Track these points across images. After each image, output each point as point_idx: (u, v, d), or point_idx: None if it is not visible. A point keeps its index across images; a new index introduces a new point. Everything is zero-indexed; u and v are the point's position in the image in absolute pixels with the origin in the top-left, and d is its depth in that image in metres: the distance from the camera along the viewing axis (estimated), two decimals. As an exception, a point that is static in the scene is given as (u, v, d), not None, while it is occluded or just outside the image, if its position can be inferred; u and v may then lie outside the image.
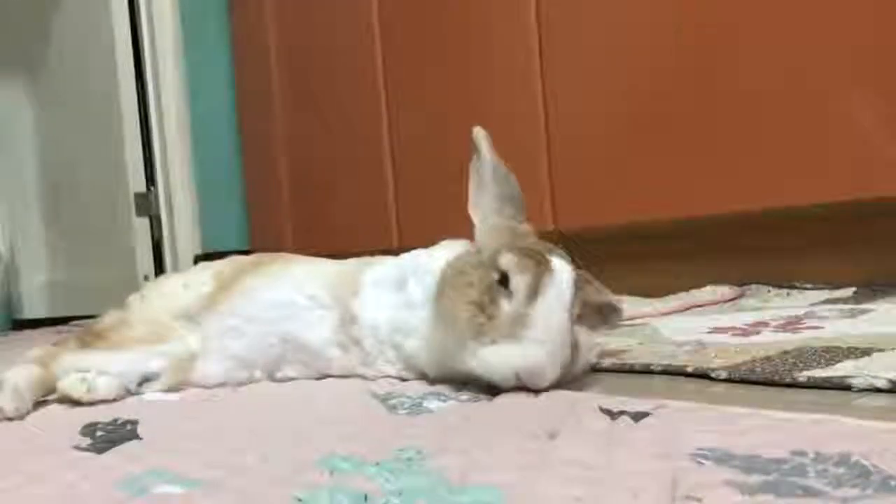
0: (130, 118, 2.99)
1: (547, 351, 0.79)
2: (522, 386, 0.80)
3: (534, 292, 0.81)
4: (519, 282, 0.82)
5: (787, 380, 0.78)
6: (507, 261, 0.84)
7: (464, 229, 1.01)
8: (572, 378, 0.86)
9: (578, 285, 0.85)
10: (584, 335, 0.89)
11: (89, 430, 0.83)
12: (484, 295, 0.83)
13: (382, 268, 1.07)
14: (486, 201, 0.98)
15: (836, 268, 1.53)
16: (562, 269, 0.84)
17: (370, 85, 2.45)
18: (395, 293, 1.01)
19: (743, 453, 0.54)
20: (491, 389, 0.83)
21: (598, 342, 1.08)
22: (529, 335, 0.79)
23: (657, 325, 1.29)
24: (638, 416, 0.68)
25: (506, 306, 0.82)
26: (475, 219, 0.98)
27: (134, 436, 0.78)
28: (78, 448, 0.75)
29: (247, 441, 0.72)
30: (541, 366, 0.79)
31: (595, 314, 0.95)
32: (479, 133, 1.01)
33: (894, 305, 1.24)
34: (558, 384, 0.83)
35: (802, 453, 0.52)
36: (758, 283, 1.59)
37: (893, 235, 1.45)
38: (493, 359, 0.80)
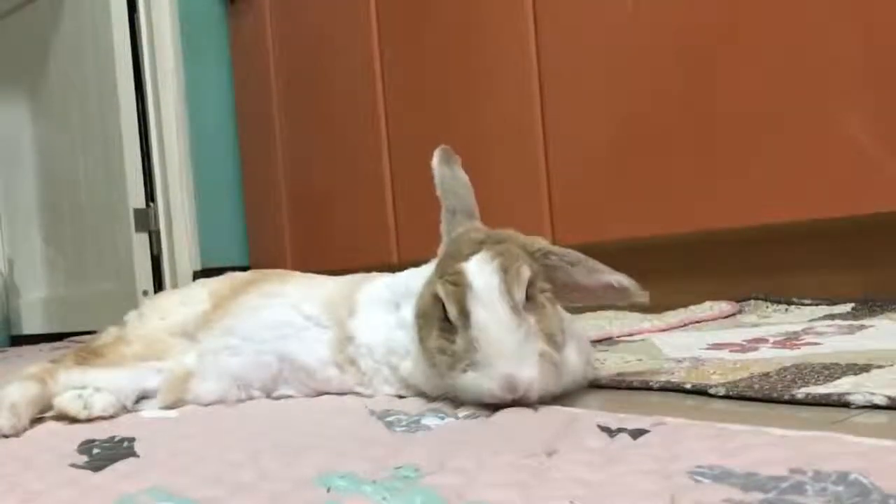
0: (130, 134, 3.00)
1: (503, 366, 0.80)
2: (516, 399, 0.80)
3: (465, 315, 0.83)
4: (451, 313, 0.84)
5: (786, 396, 0.77)
6: (440, 294, 0.86)
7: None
8: (562, 390, 0.87)
9: (511, 271, 0.84)
10: (574, 352, 0.89)
11: (86, 447, 0.82)
12: (443, 334, 0.86)
13: (376, 288, 1.08)
14: (442, 219, 1.00)
15: (834, 283, 1.53)
16: (479, 274, 0.84)
17: (370, 101, 2.46)
18: (390, 314, 1.02)
19: (741, 471, 0.54)
20: (488, 406, 0.83)
21: (598, 357, 1.08)
22: (481, 359, 0.81)
23: (656, 341, 1.29)
24: (636, 434, 0.67)
25: (458, 339, 0.84)
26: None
27: (131, 453, 0.78)
28: (75, 466, 0.74)
29: (245, 458, 0.71)
30: (507, 382, 0.79)
31: (610, 293, 0.90)
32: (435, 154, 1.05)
33: (893, 321, 1.24)
34: (555, 399, 0.83)
35: (801, 471, 0.52)
36: (756, 298, 1.59)
37: (891, 251, 1.46)
38: (470, 387, 0.83)
